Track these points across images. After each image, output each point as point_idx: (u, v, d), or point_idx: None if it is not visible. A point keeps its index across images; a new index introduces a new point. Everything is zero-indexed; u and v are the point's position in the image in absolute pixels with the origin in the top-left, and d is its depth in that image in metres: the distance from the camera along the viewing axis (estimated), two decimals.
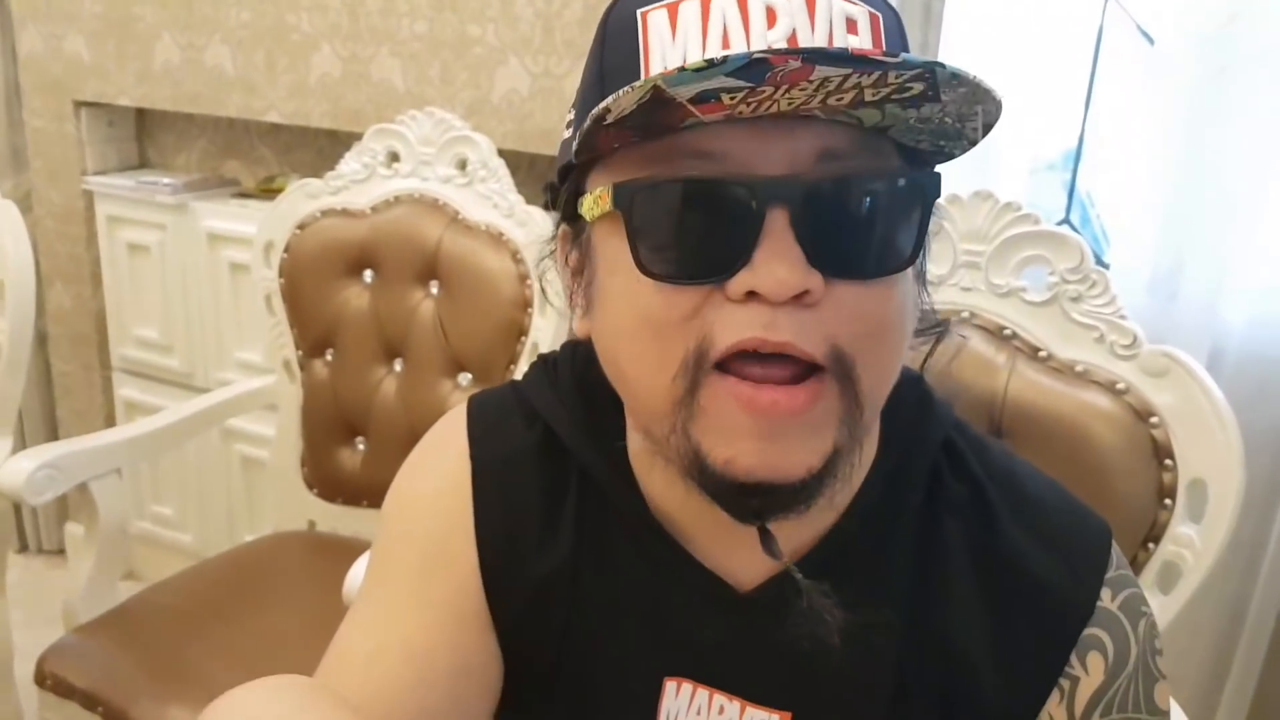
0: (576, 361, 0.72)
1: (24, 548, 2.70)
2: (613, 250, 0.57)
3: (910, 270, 0.57)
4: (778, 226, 0.52)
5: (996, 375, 1.10)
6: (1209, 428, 1.03)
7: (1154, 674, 0.65)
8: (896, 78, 0.48)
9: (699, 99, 0.49)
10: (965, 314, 1.14)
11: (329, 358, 1.68)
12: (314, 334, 1.68)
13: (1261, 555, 1.62)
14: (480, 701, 0.68)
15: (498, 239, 1.54)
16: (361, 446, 1.69)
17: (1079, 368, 1.09)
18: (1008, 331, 1.12)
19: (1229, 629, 1.68)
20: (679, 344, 0.55)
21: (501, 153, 1.59)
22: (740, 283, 0.53)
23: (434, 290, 1.60)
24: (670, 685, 0.68)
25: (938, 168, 0.59)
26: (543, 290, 0.67)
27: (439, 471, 0.73)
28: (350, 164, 1.67)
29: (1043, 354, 1.11)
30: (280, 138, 2.26)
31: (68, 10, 2.26)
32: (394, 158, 1.65)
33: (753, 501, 0.56)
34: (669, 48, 0.55)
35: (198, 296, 2.26)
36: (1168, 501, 1.06)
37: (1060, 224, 1.68)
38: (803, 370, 0.54)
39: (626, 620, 0.68)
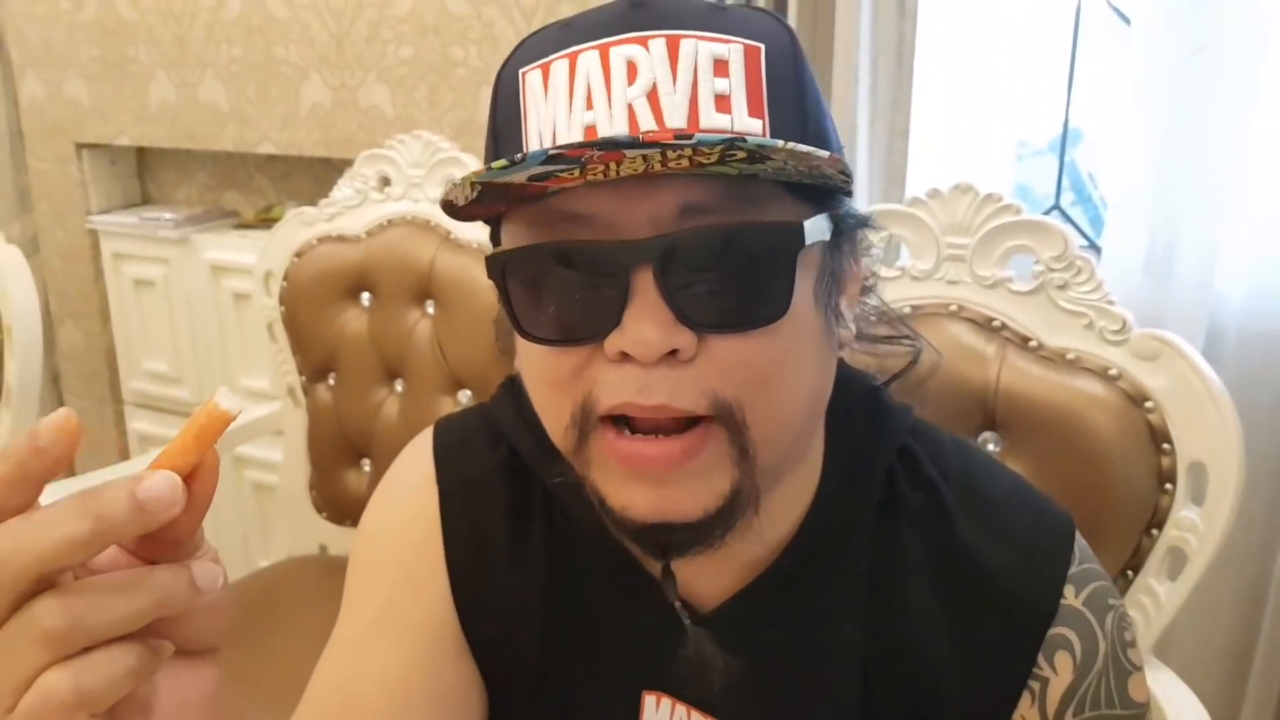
0: None
1: None
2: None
3: (806, 313, 0.57)
4: (643, 287, 0.52)
5: (987, 367, 1.10)
6: (1204, 409, 1.02)
7: (1126, 667, 0.65)
8: (710, 149, 0.48)
9: (539, 178, 0.50)
10: (953, 307, 1.13)
11: (331, 382, 1.69)
12: (316, 359, 1.69)
13: (1278, 532, 1.61)
14: None
15: None
16: (367, 468, 1.70)
17: (1070, 355, 1.08)
18: (996, 323, 1.11)
19: (1250, 610, 1.66)
20: (569, 398, 0.56)
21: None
22: (612, 344, 0.53)
23: (430, 310, 1.60)
24: (650, 699, 0.68)
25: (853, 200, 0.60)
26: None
27: (406, 498, 0.73)
28: (343, 190, 1.68)
29: (1033, 343, 1.10)
30: (276, 167, 2.29)
31: (65, 55, 2.29)
32: (385, 182, 1.66)
33: (658, 539, 0.57)
34: (542, 108, 0.55)
35: (203, 327, 2.29)
36: (1168, 486, 1.05)
37: (1051, 209, 1.68)
38: (687, 421, 0.54)
39: (601, 636, 0.69)
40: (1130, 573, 1.08)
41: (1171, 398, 1.04)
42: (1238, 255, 1.44)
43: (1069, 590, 0.65)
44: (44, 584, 0.39)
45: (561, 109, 0.54)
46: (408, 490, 0.74)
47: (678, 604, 0.62)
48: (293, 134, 2.07)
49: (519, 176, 0.49)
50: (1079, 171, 1.71)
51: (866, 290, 0.67)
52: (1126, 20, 1.48)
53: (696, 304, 0.53)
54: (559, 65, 0.55)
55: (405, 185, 1.64)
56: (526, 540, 0.70)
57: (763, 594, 0.65)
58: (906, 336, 0.73)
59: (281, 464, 1.80)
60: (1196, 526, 1.04)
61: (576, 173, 0.49)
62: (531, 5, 1.76)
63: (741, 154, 0.48)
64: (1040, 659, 0.64)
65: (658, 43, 0.53)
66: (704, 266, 0.53)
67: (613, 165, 0.48)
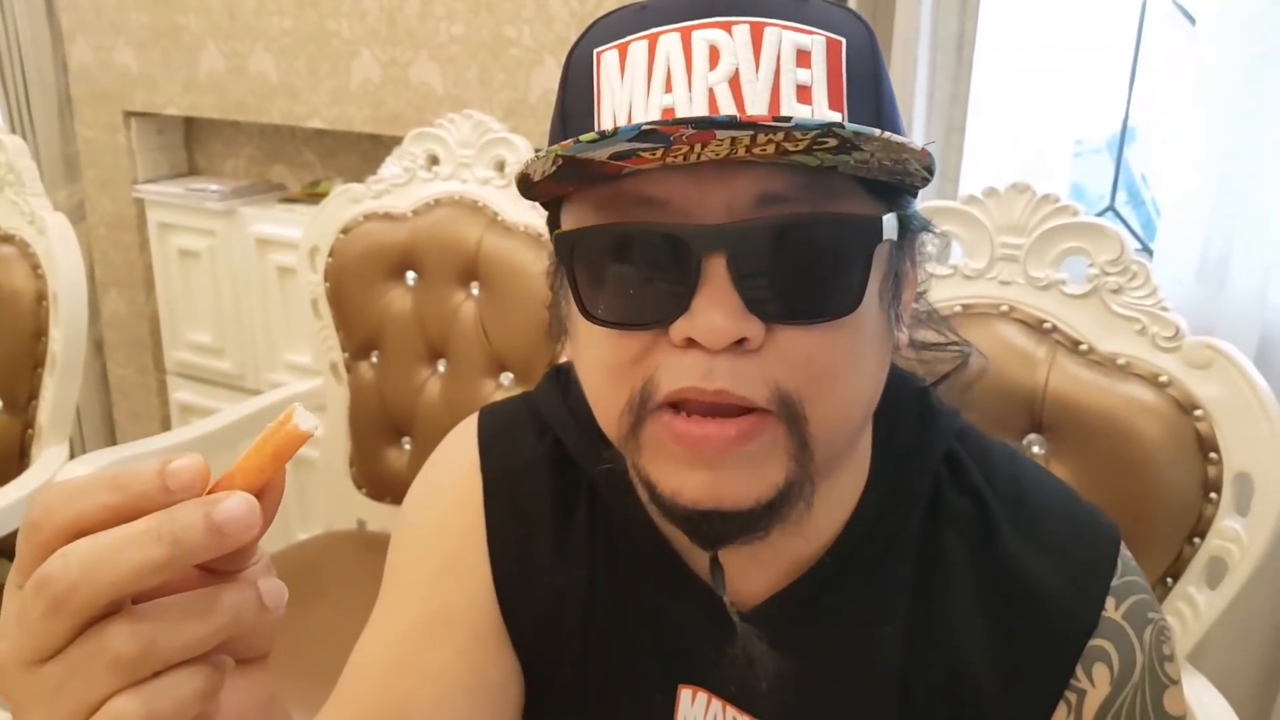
0: None
1: None
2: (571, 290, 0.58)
3: (870, 312, 0.57)
4: (715, 273, 0.52)
5: (1037, 369, 1.09)
6: (1254, 420, 1.02)
7: (1163, 681, 0.65)
8: (804, 135, 0.47)
9: (620, 156, 0.49)
10: (1004, 308, 1.13)
11: (374, 360, 1.70)
12: (359, 336, 1.70)
13: None
14: (500, 717, 0.69)
15: (537, 239, 1.55)
16: (408, 446, 1.72)
17: (1120, 360, 1.08)
18: (1047, 325, 1.11)
19: None
20: (628, 384, 0.56)
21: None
22: (679, 330, 0.53)
23: (475, 291, 1.61)
24: (685, 693, 0.68)
25: (921, 198, 0.60)
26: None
27: (450, 486, 0.73)
28: (391, 168, 1.69)
29: (1083, 347, 1.09)
30: (324, 142, 2.30)
31: (115, 22, 2.31)
32: (434, 160, 1.67)
33: (708, 528, 0.56)
34: (618, 89, 0.55)
35: (247, 300, 2.31)
36: (1213, 496, 1.04)
37: (1105, 211, 1.66)
38: (744, 408, 0.54)
39: (641, 629, 0.69)
40: (1170, 580, 1.07)
41: (1221, 407, 1.04)
42: None
43: (1110, 602, 0.64)
44: (114, 606, 0.38)
45: (639, 90, 0.54)
46: (452, 478, 0.74)
47: (726, 600, 0.62)
48: (342, 109, 2.07)
49: (603, 153, 0.49)
50: (1132, 172, 1.69)
51: (919, 296, 0.67)
52: (1191, 20, 1.46)
53: (767, 294, 0.52)
54: (637, 46, 0.54)
55: (454, 165, 1.64)
56: (570, 532, 0.70)
57: (805, 593, 0.65)
58: (954, 343, 0.72)
59: (322, 439, 1.82)
60: (1240, 537, 1.03)
61: (659, 153, 0.48)
62: None
63: (832, 142, 0.48)
64: (1079, 670, 0.64)
65: (741, 29, 0.53)
66: (778, 256, 0.52)
67: (696, 147, 0.48)
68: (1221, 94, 1.38)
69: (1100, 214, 1.67)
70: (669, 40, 0.53)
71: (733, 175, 0.52)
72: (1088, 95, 1.53)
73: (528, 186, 0.55)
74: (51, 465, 1.56)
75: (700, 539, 0.59)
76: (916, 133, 1.50)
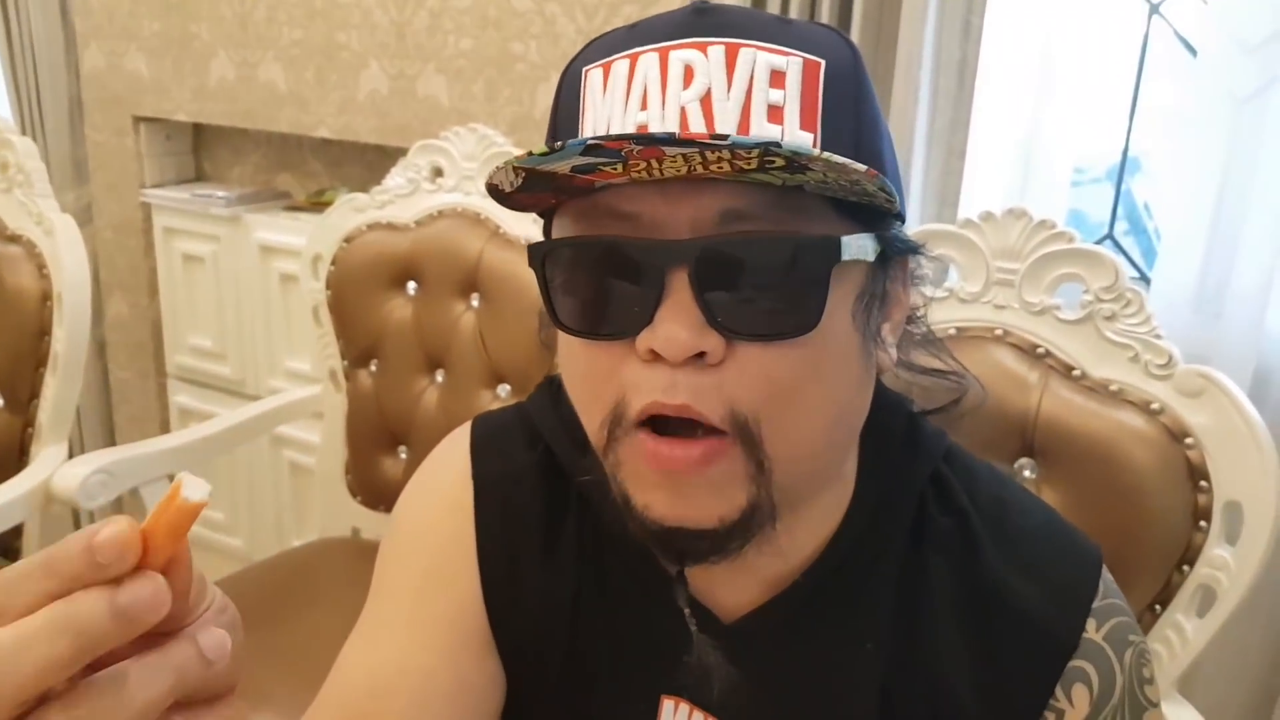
0: None
1: None
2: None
3: (838, 332, 0.57)
4: (678, 287, 0.53)
5: (1029, 394, 1.10)
6: (1245, 449, 1.02)
7: (1142, 704, 0.65)
8: (749, 153, 0.48)
9: (584, 169, 0.50)
10: (998, 332, 1.13)
11: (373, 368, 1.71)
12: (359, 344, 1.71)
13: None
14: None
15: None
16: (404, 455, 1.72)
17: (1113, 387, 1.08)
18: (1041, 350, 1.11)
19: (1277, 652, 1.64)
20: (604, 398, 0.57)
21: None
22: (643, 341, 0.54)
23: (475, 303, 1.62)
24: (668, 704, 0.68)
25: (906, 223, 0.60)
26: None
27: (441, 492, 0.74)
28: (395, 179, 1.70)
29: (1076, 373, 1.10)
30: (330, 152, 2.31)
31: (128, 29, 2.33)
32: (438, 172, 1.68)
33: (674, 544, 0.58)
34: (599, 106, 0.56)
35: (249, 306, 2.32)
36: (1203, 524, 1.05)
37: (1104, 239, 1.67)
38: (707, 430, 0.55)
39: (625, 638, 0.69)
40: (1159, 607, 1.08)
41: (1213, 436, 1.04)
42: None
43: (1091, 624, 0.65)
44: (41, 697, 0.36)
45: (617, 107, 0.55)
46: (443, 484, 0.74)
47: (686, 610, 0.63)
48: (349, 119, 2.09)
49: (560, 166, 0.50)
50: (1134, 201, 1.70)
51: (913, 320, 0.67)
52: (1193, 51, 1.47)
53: (727, 309, 0.53)
54: (620, 65, 0.56)
55: (458, 177, 1.65)
56: (558, 539, 0.71)
57: (784, 610, 0.66)
58: (954, 373, 0.73)
59: (319, 446, 1.83)
60: (1228, 565, 1.04)
61: (619, 168, 0.50)
62: (594, 3, 1.77)
63: (780, 161, 0.49)
64: (1058, 691, 0.64)
65: (716, 49, 0.54)
66: (738, 273, 0.53)
67: (655, 163, 0.49)
68: (1221, 124, 1.39)
69: (1099, 242, 1.67)
70: (648, 59, 0.55)
71: (699, 192, 0.53)
72: (1088, 123, 1.54)
73: (501, 198, 0.56)
74: (50, 464, 1.57)
75: (667, 554, 0.60)
76: (917, 156, 1.51)
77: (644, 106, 0.54)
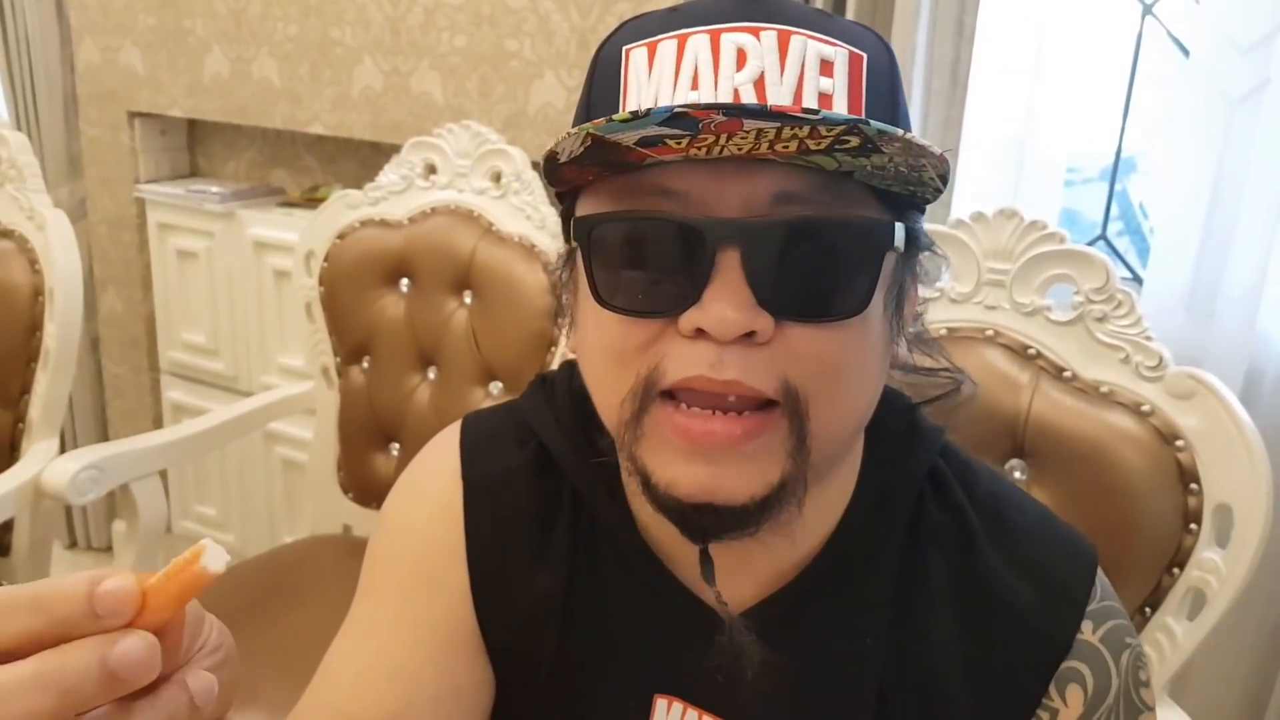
0: (575, 380, 0.71)
1: (74, 544, 2.77)
2: (583, 277, 0.59)
3: (876, 318, 0.57)
4: (728, 267, 0.53)
5: (1020, 395, 1.09)
6: (1235, 452, 1.02)
7: (1137, 706, 0.65)
8: (828, 131, 0.48)
9: (646, 143, 0.50)
10: (989, 332, 1.13)
11: (365, 365, 1.71)
12: (351, 341, 1.71)
13: None
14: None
15: (530, 250, 1.56)
16: (395, 452, 1.72)
17: (1104, 388, 1.08)
18: (1032, 351, 1.11)
19: (1270, 655, 1.64)
20: (632, 371, 0.56)
21: (537, 165, 1.61)
22: (689, 320, 0.53)
23: (467, 300, 1.62)
24: (661, 703, 0.68)
25: (927, 210, 0.60)
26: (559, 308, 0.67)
27: (430, 492, 0.73)
28: (389, 175, 1.70)
29: (1067, 374, 1.10)
30: (325, 148, 2.31)
31: (123, 24, 2.32)
32: (431, 169, 1.68)
33: (699, 521, 0.57)
34: (645, 85, 0.56)
35: (243, 302, 2.31)
36: (1193, 526, 1.05)
37: (1096, 240, 1.67)
38: (753, 402, 0.55)
39: (618, 638, 0.69)
40: (1149, 610, 1.07)
41: (1203, 438, 1.04)
42: None
43: (1087, 625, 0.65)
44: None
45: (665, 86, 0.55)
46: (432, 484, 0.74)
47: (715, 593, 0.62)
48: (343, 116, 2.08)
49: (631, 136, 0.50)
50: (1130, 201, 1.70)
51: (917, 317, 0.68)
52: (1185, 52, 1.47)
53: (778, 290, 0.53)
54: (666, 45, 0.56)
55: (451, 174, 1.65)
56: (550, 539, 0.70)
57: (786, 604, 0.66)
58: (947, 369, 0.72)
59: (311, 443, 1.83)
60: (1219, 569, 1.03)
61: (683, 144, 0.50)
62: (588, 1, 1.76)
63: (854, 142, 0.49)
64: (1052, 690, 0.64)
65: (769, 34, 0.54)
66: (791, 254, 0.53)
67: (721, 139, 0.49)
68: (1213, 125, 1.39)
69: (1092, 242, 1.67)
70: (698, 40, 0.55)
71: (751, 172, 0.53)
72: (1082, 123, 1.54)
73: (553, 169, 0.56)
74: (41, 459, 1.56)
75: (690, 532, 0.59)
76: None
77: (695, 86, 0.54)
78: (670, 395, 0.56)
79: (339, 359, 1.73)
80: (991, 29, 1.48)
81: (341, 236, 1.70)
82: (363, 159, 2.24)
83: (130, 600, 0.36)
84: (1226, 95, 1.38)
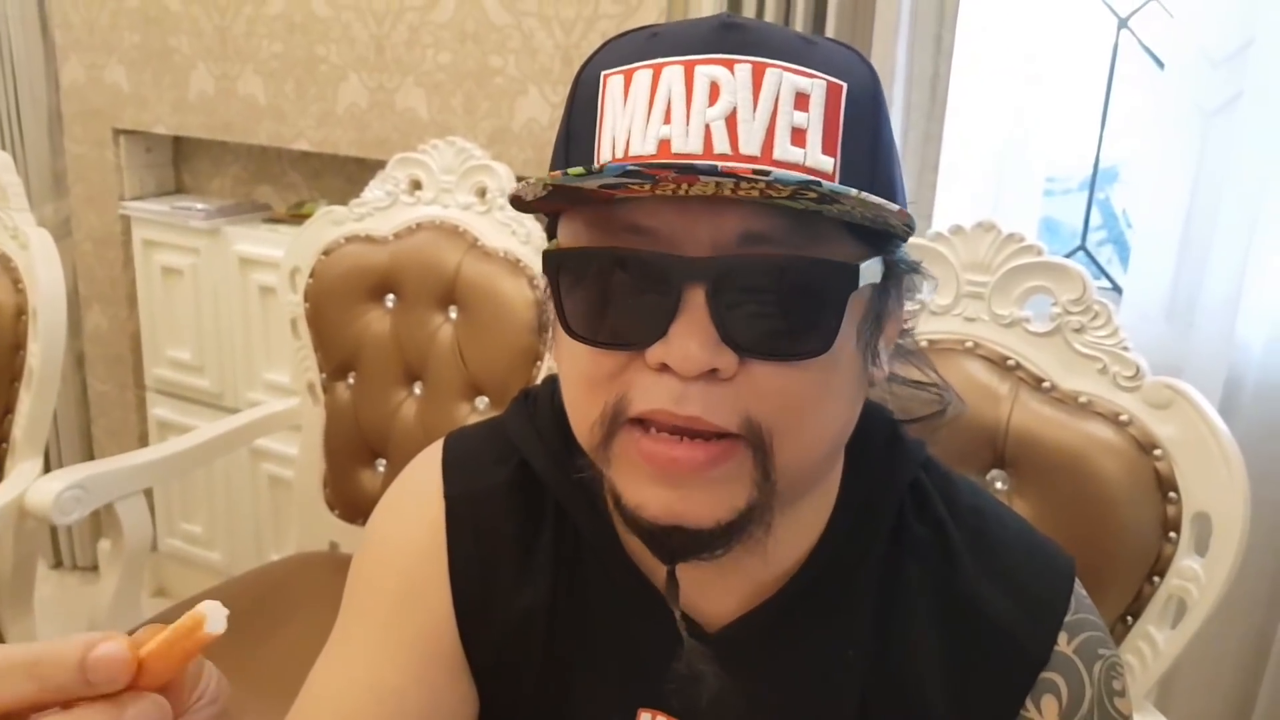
0: (557, 395, 0.70)
1: (59, 563, 2.76)
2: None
3: (846, 352, 0.58)
4: (694, 304, 0.53)
5: (1000, 406, 1.10)
6: (1213, 461, 1.03)
7: (1112, 715, 0.67)
8: (784, 186, 0.49)
9: (610, 186, 0.51)
10: (969, 344, 1.14)
11: (351, 381, 1.71)
12: (337, 357, 1.71)
13: None
14: None
15: (515, 265, 1.56)
16: (381, 468, 1.72)
17: (1082, 399, 1.09)
18: (1011, 362, 1.12)
19: (1253, 662, 1.65)
20: (602, 397, 0.58)
21: (522, 180, 1.61)
22: (654, 354, 0.54)
23: (453, 315, 1.62)
24: (645, 717, 0.68)
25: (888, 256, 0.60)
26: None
27: (413, 510, 0.73)
28: (374, 191, 1.70)
29: (1046, 385, 1.11)
30: (310, 164, 2.31)
31: (108, 41, 2.32)
32: (416, 185, 1.68)
33: (668, 542, 0.58)
34: (620, 115, 0.56)
35: (228, 319, 2.31)
36: (1172, 535, 1.05)
37: (1076, 251, 1.68)
38: (714, 434, 0.55)
39: (602, 652, 0.69)
40: (1130, 618, 1.08)
41: (1181, 447, 1.05)
42: (1260, 306, 1.44)
43: (1062, 637, 0.66)
44: None
45: (639, 119, 0.55)
46: (414, 503, 0.74)
47: (678, 614, 0.63)
48: (328, 132, 2.09)
49: (591, 183, 0.51)
50: (1113, 210, 1.71)
51: (904, 333, 0.68)
52: (1160, 64, 1.49)
53: (743, 328, 0.54)
54: (642, 75, 0.56)
55: (436, 190, 1.66)
56: (532, 553, 0.71)
57: (768, 618, 0.66)
58: (935, 385, 0.74)
59: (297, 459, 1.82)
60: (1198, 577, 1.04)
61: (647, 186, 0.50)
62: (572, 17, 1.78)
63: (813, 194, 0.50)
64: (1028, 702, 0.65)
65: (743, 68, 0.54)
66: (756, 293, 0.54)
67: (684, 185, 0.50)
68: (1190, 136, 1.40)
69: (1072, 253, 1.69)
70: (672, 72, 0.55)
71: (720, 211, 0.53)
72: (1061, 135, 1.56)
73: (521, 205, 0.57)
74: (24, 479, 1.56)
75: (659, 552, 0.60)
76: None
77: (667, 120, 0.54)
78: (639, 421, 0.56)
79: (325, 375, 1.73)
80: (970, 44, 1.50)
81: (327, 252, 1.71)
82: (348, 175, 2.24)
83: (123, 668, 0.37)
84: (1202, 107, 1.40)
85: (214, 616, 0.38)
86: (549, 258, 0.59)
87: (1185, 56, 1.39)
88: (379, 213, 1.70)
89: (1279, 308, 1.46)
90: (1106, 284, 1.67)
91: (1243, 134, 1.36)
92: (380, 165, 1.73)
